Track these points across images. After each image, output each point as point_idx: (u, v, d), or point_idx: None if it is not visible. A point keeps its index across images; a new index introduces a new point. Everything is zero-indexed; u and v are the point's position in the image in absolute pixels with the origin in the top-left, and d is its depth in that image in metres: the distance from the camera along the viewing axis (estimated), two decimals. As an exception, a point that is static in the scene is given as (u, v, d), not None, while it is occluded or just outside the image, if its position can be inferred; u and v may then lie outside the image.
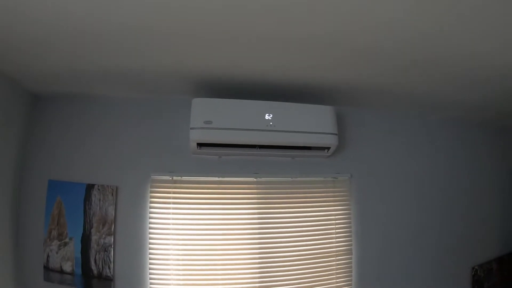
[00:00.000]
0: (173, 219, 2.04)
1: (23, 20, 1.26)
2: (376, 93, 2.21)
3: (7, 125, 1.83)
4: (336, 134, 2.05)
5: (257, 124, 1.90)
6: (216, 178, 2.12)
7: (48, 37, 1.40)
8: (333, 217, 2.28)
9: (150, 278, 2.00)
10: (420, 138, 2.66)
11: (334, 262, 2.23)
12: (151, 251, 2.01)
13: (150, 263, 2.00)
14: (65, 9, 1.19)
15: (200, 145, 1.94)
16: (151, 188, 2.06)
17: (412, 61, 1.71)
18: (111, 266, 1.97)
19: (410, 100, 2.35)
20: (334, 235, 2.26)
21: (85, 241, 1.99)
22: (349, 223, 2.32)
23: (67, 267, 1.96)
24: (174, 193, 2.06)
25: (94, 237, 1.99)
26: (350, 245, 2.30)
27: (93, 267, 1.97)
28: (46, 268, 1.94)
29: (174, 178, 2.07)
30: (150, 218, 2.03)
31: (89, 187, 2.02)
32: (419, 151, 2.63)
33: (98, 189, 2.03)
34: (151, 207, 2.04)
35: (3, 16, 1.22)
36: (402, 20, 1.31)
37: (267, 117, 1.92)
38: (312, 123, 1.99)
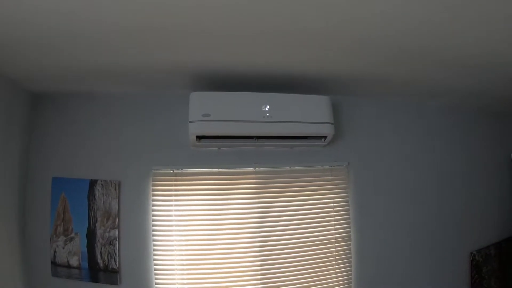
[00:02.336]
0: (175, 210, 2.09)
1: (21, 22, 1.28)
2: (372, 82, 2.24)
3: (10, 125, 1.87)
4: (332, 123, 2.09)
5: (254, 115, 1.94)
6: (216, 170, 2.17)
7: (47, 38, 1.43)
8: (332, 204, 2.33)
9: (155, 269, 2.05)
10: (417, 125, 2.69)
11: (334, 249, 2.28)
12: (154, 242, 2.07)
13: (154, 254, 2.06)
14: (63, 9, 1.21)
15: (199, 137, 1.98)
16: (152, 181, 2.11)
17: (407, 51, 1.74)
18: (117, 258, 2.02)
19: (406, 88, 2.39)
20: (332, 222, 2.31)
21: (91, 235, 2.04)
22: (347, 210, 2.37)
23: (74, 261, 2.01)
24: (175, 185, 2.11)
25: (99, 231, 2.04)
26: (349, 231, 2.35)
27: (99, 260, 2.02)
28: (54, 263, 1.99)
29: (175, 170, 2.12)
30: (153, 210, 2.09)
31: (92, 183, 2.07)
32: (416, 138, 2.67)
33: (101, 184, 2.08)
34: (153, 200, 2.09)
35: (1, 19, 1.25)
36: (397, 12, 1.34)
37: (264, 108, 1.96)
38: (308, 113, 2.03)
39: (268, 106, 1.97)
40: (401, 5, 1.30)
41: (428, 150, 2.69)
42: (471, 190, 2.79)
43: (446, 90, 2.43)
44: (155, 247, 2.06)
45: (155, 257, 2.06)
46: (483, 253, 2.75)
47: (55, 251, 2.00)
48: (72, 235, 2.03)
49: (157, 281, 2.04)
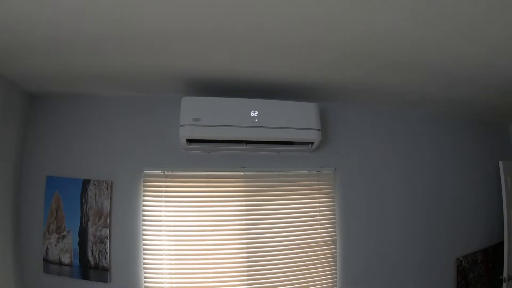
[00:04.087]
0: (165, 211, 2.15)
1: (19, 28, 1.35)
2: (360, 91, 2.30)
3: (5, 125, 1.92)
4: (319, 130, 2.14)
5: (243, 120, 2.00)
6: (206, 172, 2.22)
7: (43, 42, 1.49)
8: (318, 208, 2.38)
9: (144, 268, 2.10)
10: (404, 132, 2.75)
11: (319, 252, 2.33)
12: (144, 242, 2.12)
13: (144, 253, 2.11)
14: (59, 16, 1.27)
15: (189, 141, 2.04)
16: (144, 182, 2.17)
17: (396, 62, 1.80)
18: (107, 257, 2.07)
19: (394, 97, 2.44)
20: (319, 226, 2.36)
21: (82, 233, 2.09)
22: (334, 214, 2.42)
23: (66, 259, 2.06)
24: (165, 187, 2.17)
25: (90, 230, 2.09)
26: (335, 235, 2.40)
27: (90, 258, 2.07)
28: (46, 260, 2.04)
29: (166, 172, 2.18)
30: (143, 210, 2.14)
31: (85, 182, 2.13)
32: (403, 145, 2.72)
33: (94, 184, 2.13)
34: (144, 200, 2.15)
35: (3, 22, 1.31)
36: (392, 28, 1.41)
37: (252, 114, 2.02)
38: (296, 119, 2.08)
39: (256, 112, 2.02)
40: (391, 22, 1.37)
41: (415, 156, 2.75)
42: (459, 197, 2.84)
43: (433, 99, 2.48)
44: (145, 246, 2.12)
45: (145, 256, 2.11)
46: (469, 259, 2.80)
47: (47, 248, 2.05)
48: (65, 233, 2.09)
49: (146, 279, 2.09)
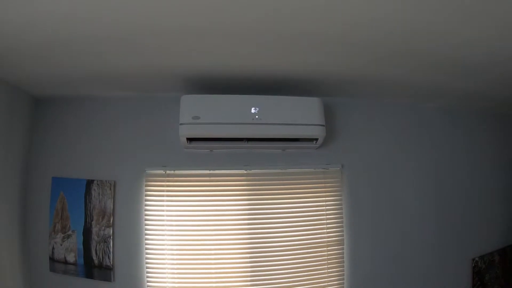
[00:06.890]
0: (167, 210, 2.14)
1: (21, 32, 1.38)
2: (366, 83, 2.22)
3: (11, 128, 1.97)
4: (323, 125, 2.08)
5: (243, 117, 1.96)
6: (207, 171, 2.20)
7: (44, 46, 1.52)
8: (324, 207, 2.31)
9: (147, 267, 2.10)
10: (413, 126, 2.63)
11: (326, 253, 2.26)
12: (147, 241, 2.12)
13: (147, 253, 2.11)
14: (57, 19, 1.29)
15: (190, 139, 2.01)
16: (146, 181, 2.16)
17: (403, 51, 1.73)
18: (111, 256, 2.09)
19: (401, 90, 2.35)
20: (325, 226, 2.29)
21: (87, 233, 2.11)
22: (341, 213, 2.34)
23: (71, 258, 2.08)
24: (167, 186, 2.16)
25: (94, 229, 2.11)
26: (342, 235, 2.32)
27: (94, 257, 2.09)
28: (52, 259, 2.08)
29: (167, 172, 2.17)
30: (146, 210, 2.14)
31: (89, 183, 2.15)
32: (413, 140, 2.61)
33: (98, 184, 2.15)
34: (146, 200, 2.15)
35: (6, 30, 1.34)
36: (394, 15, 1.35)
37: (253, 110, 1.97)
38: (298, 115, 2.02)
39: (257, 108, 1.98)
40: (395, 10, 1.31)
41: (427, 152, 2.63)
42: (473, 194, 2.70)
43: (443, 91, 2.38)
44: (147, 246, 2.11)
45: (147, 255, 2.11)
46: (486, 260, 2.68)
47: (53, 248, 2.09)
48: (70, 232, 2.11)
49: (148, 278, 2.09)
